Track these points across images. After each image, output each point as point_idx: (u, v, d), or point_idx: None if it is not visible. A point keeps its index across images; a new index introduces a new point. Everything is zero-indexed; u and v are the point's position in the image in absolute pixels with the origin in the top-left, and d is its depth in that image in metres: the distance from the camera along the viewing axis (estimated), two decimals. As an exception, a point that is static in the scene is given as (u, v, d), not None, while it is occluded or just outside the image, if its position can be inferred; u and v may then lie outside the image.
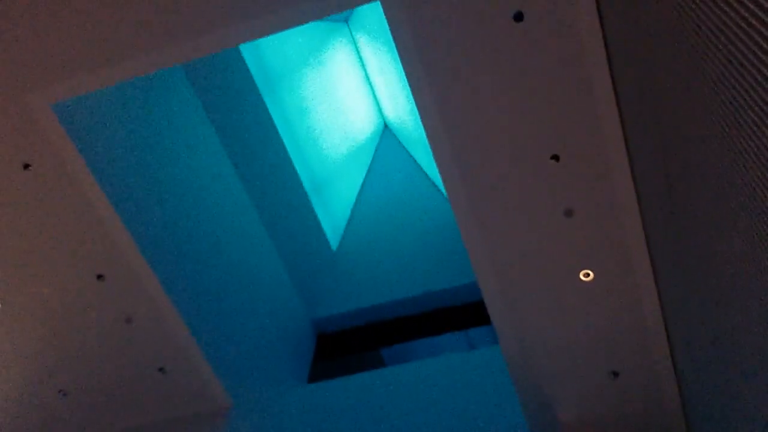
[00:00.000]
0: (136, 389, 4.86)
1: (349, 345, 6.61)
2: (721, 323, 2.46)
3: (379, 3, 4.13)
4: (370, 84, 13.00)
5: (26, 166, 3.87)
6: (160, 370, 4.70)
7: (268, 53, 7.72)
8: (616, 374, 3.94)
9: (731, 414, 2.79)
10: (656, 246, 3.29)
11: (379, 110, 13.29)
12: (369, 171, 11.21)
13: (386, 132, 13.12)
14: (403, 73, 4.12)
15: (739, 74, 1.48)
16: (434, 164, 3.47)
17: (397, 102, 10.22)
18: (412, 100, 7.74)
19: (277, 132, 7.21)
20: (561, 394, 4.10)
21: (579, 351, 3.90)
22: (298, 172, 7.55)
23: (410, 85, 3.11)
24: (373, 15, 9.10)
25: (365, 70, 12.76)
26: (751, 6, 1.29)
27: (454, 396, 4.91)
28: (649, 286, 3.58)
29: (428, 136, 3.23)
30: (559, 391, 4.08)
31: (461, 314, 6.25)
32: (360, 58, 12.60)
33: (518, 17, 2.88)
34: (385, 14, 2.94)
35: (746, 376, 2.33)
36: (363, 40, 11.56)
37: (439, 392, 5.01)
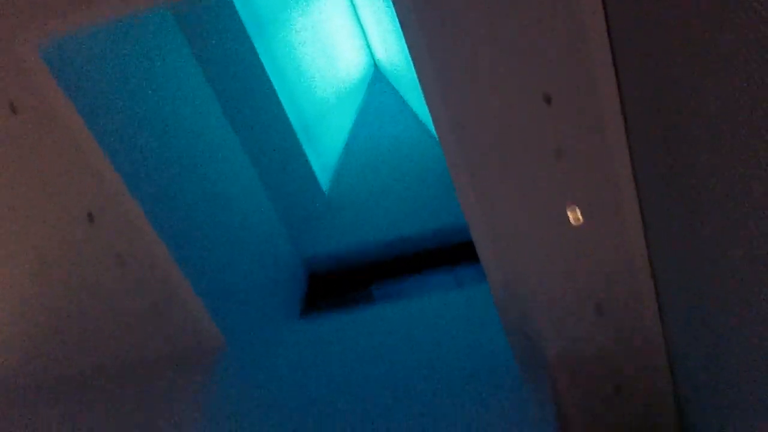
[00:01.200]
0: (128, 328, 4.92)
1: (340, 285, 6.69)
2: (707, 263, 2.50)
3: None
4: (360, 24, 12.78)
5: (12, 108, 3.83)
6: (152, 308, 4.75)
7: (256, -8, 7.54)
8: (601, 311, 4.03)
9: (713, 351, 2.87)
10: (646, 186, 3.32)
11: (370, 51, 13.11)
12: (360, 113, 11.14)
13: (377, 73, 12.98)
14: (393, 12, 4.05)
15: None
16: (424, 105, 3.46)
17: (388, 43, 10.08)
18: (403, 41, 7.64)
19: (265, 73, 7.11)
20: (547, 330, 4.19)
21: (565, 289, 3.97)
22: (288, 114, 7.48)
23: (400, 23, 3.07)
24: (363, -48, 8.88)
25: (355, 9, 12.52)
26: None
27: (443, 332, 5.02)
28: (636, 227, 3.63)
29: (418, 75, 3.21)
30: (546, 327, 4.17)
31: (451, 254, 6.32)
32: (350, -4, 12.35)
33: (511, -48, 2.83)
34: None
35: (728, 313, 2.39)
36: (353, -22, 11.31)
37: (429, 329, 5.12)
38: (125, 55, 4.61)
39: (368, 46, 12.75)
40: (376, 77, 12.60)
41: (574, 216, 3.64)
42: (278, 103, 7.29)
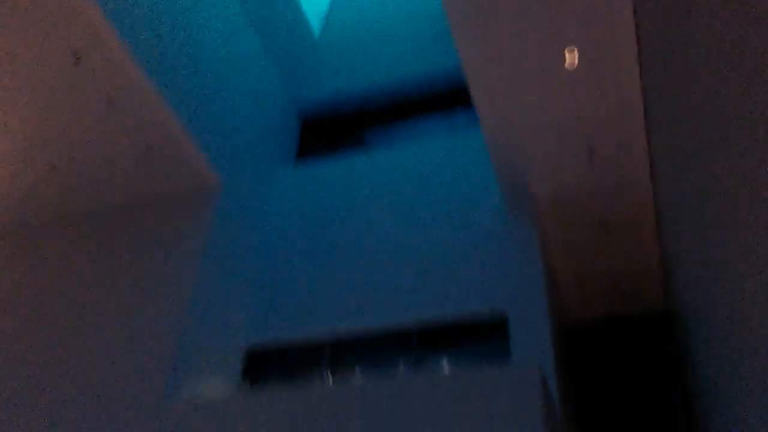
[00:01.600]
0: (125, 167, 4.94)
1: (334, 130, 6.68)
2: (701, 113, 2.51)
3: None
4: None
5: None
6: (148, 148, 4.75)
7: None
8: (592, 154, 4.08)
9: (701, 199, 2.94)
10: (646, 31, 3.27)
11: None
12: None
13: None
14: None
15: None
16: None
17: None
18: None
19: None
20: (537, 171, 4.26)
21: (558, 129, 3.98)
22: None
23: None
24: None
25: None
26: None
27: (435, 177, 5.11)
28: (633, 73, 3.60)
29: None
30: (536, 167, 4.24)
31: (445, 99, 6.27)
32: None
33: None
34: None
35: (719, 163, 2.42)
36: None
37: (421, 173, 5.20)
38: None
39: None
40: None
41: (571, 59, 3.59)
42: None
